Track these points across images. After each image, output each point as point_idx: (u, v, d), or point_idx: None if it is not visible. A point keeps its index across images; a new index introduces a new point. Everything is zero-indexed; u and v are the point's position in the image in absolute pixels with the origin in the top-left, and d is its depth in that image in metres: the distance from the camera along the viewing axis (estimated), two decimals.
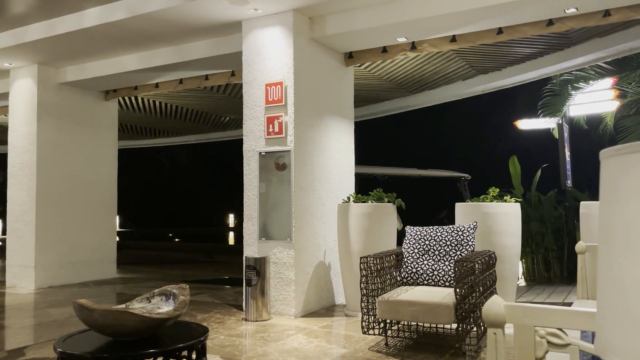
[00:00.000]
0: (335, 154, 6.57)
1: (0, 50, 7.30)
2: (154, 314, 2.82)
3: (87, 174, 8.71)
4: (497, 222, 5.28)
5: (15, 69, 8.21)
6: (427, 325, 4.80)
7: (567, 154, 9.39)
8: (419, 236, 4.76)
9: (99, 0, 6.17)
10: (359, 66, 7.95)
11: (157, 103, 11.02)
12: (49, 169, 8.11)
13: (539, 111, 9.45)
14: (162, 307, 3.02)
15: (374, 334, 4.45)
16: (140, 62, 7.51)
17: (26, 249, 7.94)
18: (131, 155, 16.38)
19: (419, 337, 4.68)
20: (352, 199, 5.86)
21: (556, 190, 8.81)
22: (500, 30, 5.82)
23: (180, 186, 33.76)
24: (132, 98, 10.42)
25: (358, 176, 7.23)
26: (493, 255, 4.76)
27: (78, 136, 8.61)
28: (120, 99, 9.94)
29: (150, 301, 3.10)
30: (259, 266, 5.59)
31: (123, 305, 3.02)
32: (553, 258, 8.36)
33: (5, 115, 9.56)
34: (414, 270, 4.63)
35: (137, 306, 3.02)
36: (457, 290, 3.94)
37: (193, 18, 6.09)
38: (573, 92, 9.11)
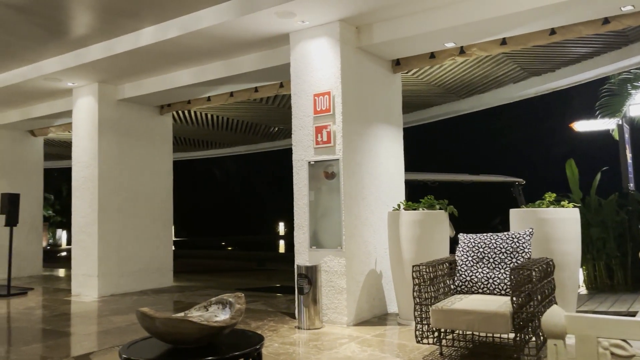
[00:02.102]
0: (384, 162, 6.55)
1: (64, 70, 7.74)
2: (212, 322, 2.91)
3: (144, 186, 9.07)
4: (555, 229, 5.11)
5: (78, 88, 8.67)
6: (482, 334, 4.69)
7: (629, 155, 8.98)
8: (473, 243, 4.67)
9: (153, 20, 6.45)
10: (407, 72, 7.91)
11: (209, 116, 11.34)
12: (109, 182, 8.50)
13: (597, 112, 9.09)
14: (219, 316, 3.10)
15: (428, 343, 4.39)
16: (193, 77, 7.78)
17: (90, 259, 8.33)
18: (185, 166, 16.91)
19: (475, 346, 4.58)
20: (402, 206, 5.82)
21: (618, 193, 8.41)
22: (553, 31, 5.65)
23: (232, 195, 34.47)
24: (186, 112, 10.77)
25: (408, 183, 7.16)
26: (551, 263, 4.61)
27: (136, 150, 8.98)
28: (175, 113, 10.30)
29: (207, 309, 3.19)
30: (310, 274, 5.64)
31: (182, 314, 3.13)
32: (616, 265, 7.97)
33: (70, 132, 10.10)
34: (468, 278, 4.55)
35: (195, 314, 3.12)
36: (514, 298, 3.84)
37: (243, 33, 6.26)
38: (633, 91, 8.71)
